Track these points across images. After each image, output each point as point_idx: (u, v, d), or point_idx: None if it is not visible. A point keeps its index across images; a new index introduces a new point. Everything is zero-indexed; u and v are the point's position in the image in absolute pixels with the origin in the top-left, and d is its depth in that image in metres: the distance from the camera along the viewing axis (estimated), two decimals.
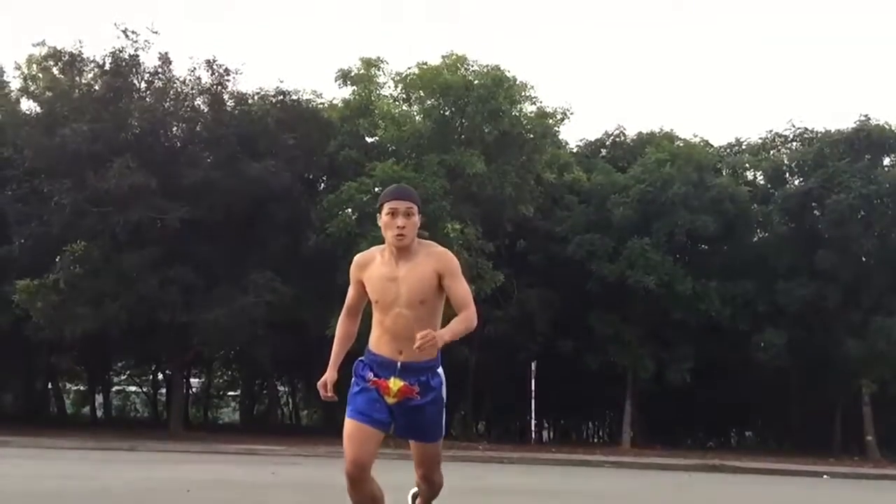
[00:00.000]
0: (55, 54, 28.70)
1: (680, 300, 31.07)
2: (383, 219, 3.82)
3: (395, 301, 3.77)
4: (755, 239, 35.28)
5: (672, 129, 37.24)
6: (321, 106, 31.60)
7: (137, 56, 28.76)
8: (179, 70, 29.40)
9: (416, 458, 4.12)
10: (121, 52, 28.54)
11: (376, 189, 26.14)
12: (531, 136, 30.32)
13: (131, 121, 28.49)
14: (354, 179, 27.66)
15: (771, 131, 36.43)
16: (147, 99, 28.94)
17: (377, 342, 3.87)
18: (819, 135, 33.76)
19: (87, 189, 26.46)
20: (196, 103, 29.82)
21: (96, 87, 28.82)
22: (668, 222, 31.34)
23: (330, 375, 4.01)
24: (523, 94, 29.69)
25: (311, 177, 32.33)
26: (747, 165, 36.33)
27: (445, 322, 3.84)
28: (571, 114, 31.47)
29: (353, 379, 3.94)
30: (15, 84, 30.97)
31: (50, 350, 32.78)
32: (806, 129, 34.79)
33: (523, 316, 31.92)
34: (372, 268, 3.90)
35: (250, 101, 29.93)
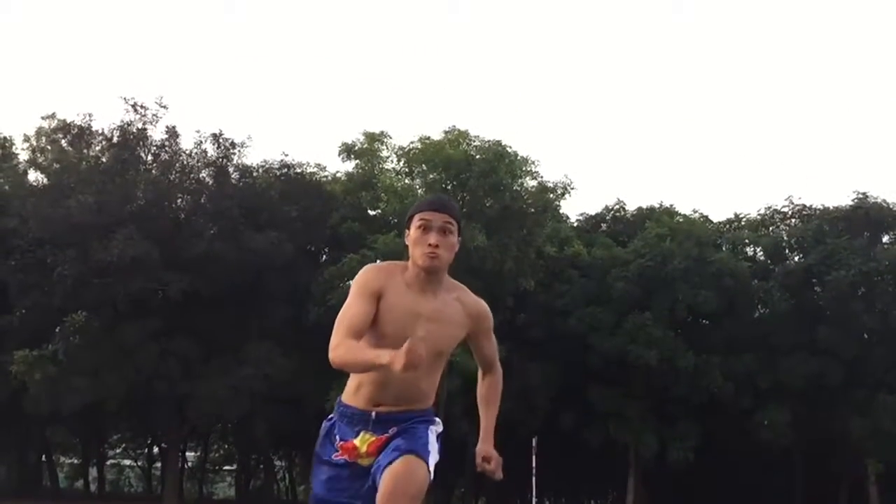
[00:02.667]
0: (64, 127, 29.23)
1: (681, 376, 30.84)
2: (412, 234, 3.03)
3: (405, 335, 2.79)
4: (756, 315, 35.18)
5: (672, 205, 37.56)
6: (324, 179, 31.98)
7: (145, 129, 29.32)
8: (186, 143, 29.94)
9: (384, 486, 2.84)
10: (129, 125, 29.08)
11: (377, 261, 26.25)
12: (532, 210, 30.60)
13: (137, 192, 28.82)
14: (356, 252, 27.80)
15: (770, 207, 36.75)
16: (153, 171, 29.33)
17: (354, 392, 3.07)
18: (818, 211, 34.04)
19: (90, 260, 26.58)
20: (201, 176, 30.20)
21: (103, 160, 29.26)
22: (669, 297, 31.34)
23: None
24: (524, 168, 30.09)
25: (313, 249, 32.50)
26: (747, 241, 36.50)
27: None
28: (572, 188, 31.79)
29: (315, 454, 3.19)
30: (23, 156, 31.49)
31: (45, 422, 32.40)
32: (804, 205, 35.11)
33: (524, 390, 31.62)
34: (393, 289, 3.02)
35: (255, 174, 30.32)
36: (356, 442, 3.03)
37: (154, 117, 29.43)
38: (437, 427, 3.12)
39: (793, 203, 35.50)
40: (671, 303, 31.40)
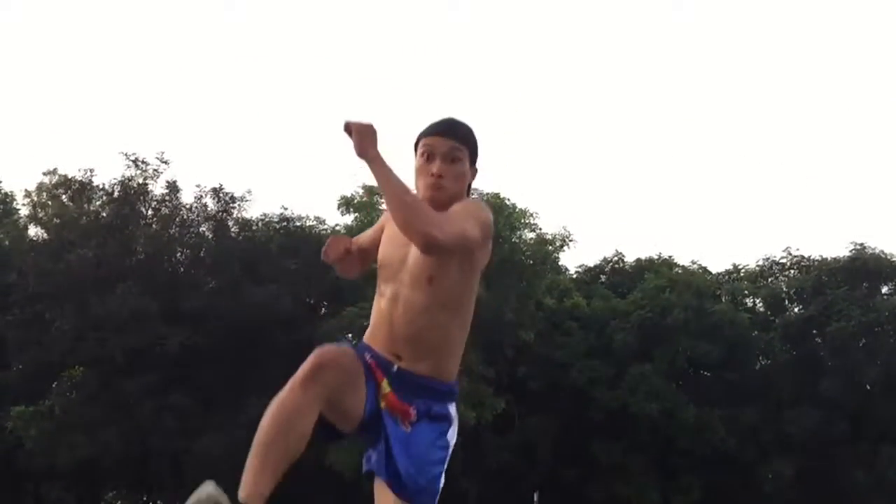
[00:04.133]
0: (65, 182, 29.43)
1: (684, 428, 30.58)
2: (416, 162, 2.74)
3: (397, 272, 2.65)
4: (758, 366, 35.05)
5: (671, 256, 37.67)
6: (324, 232, 32.10)
7: (146, 184, 29.52)
8: (186, 197, 30.14)
9: None
10: (129, 180, 29.29)
11: None
12: (531, 262, 30.68)
13: (136, 247, 28.93)
14: (355, 304, 27.78)
15: (768, 259, 36.86)
16: (153, 226, 29.47)
17: (371, 333, 2.75)
18: (816, 263, 34.18)
19: (89, 314, 26.55)
20: (201, 230, 30.34)
21: (104, 215, 29.41)
22: (670, 349, 31.26)
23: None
24: (523, 220, 30.26)
25: (312, 301, 32.47)
26: (746, 292, 36.54)
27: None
28: (571, 240, 31.92)
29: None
30: (24, 211, 31.62)
31: (40, 478, 31.99)
32: (802, 256, 35.24)
33: (525, 444, 31.31)
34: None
35: (254, 228, 30.48)
36: (382, 382, 2.65)
37: (155, 172, 29.70)
38: (453, 429, 2.72)
39: (791, 254, 35.68)
40: (672, 354, 31.29)
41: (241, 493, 2.43)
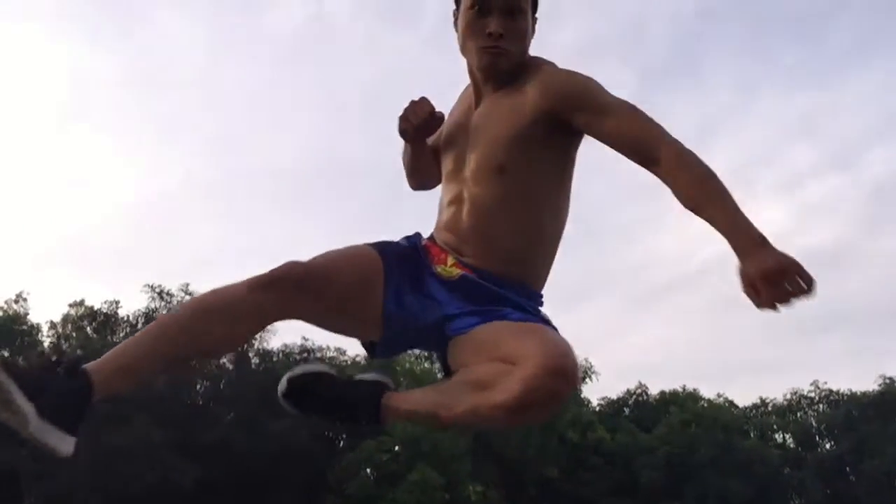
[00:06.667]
0: (91, 314, 29.81)
1: None
2: (462, 18, 2.06)
3: (460, 163, 2.07)
4: None
5: (695, 388, 37.08)
6: (345, 363, 31.99)
7: None
8: None
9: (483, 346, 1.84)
10: (153, 312, 29.63)
11: (396, 448, 25.74)
12: None
13: (156, 378, 28.92)
14: (374, 437, 27.33)
15: (796, 392, 36.27)
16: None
17: (436, 230, 2.13)
18: (845, 397, 33.64)
19: (104, 447, 26.25)
20: (222, 361, 30.37)
21: None
22: (698, 486, 30.25)
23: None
24: None
25: (330, 434, 32.00)
26: (775, 426, 35.74)
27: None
28: (594, 372, 31.58)
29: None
30: (46, 342, 31.85)
31: None
32: (831, 390, 34.72)
33: None
34: (456, 107, 2.21)
35: (275, 359, 30.46)
36: (447, 256, 2.03)
37: (179, 303, 30.02)
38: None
39: (819, 388, 35.14)
40: (701, 492, 30.25)
41: (91, 364, 1.80)
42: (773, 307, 1.59)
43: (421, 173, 2.27)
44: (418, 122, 2.12)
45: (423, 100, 2.13)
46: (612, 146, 1.87)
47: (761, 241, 1.63)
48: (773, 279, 1.57)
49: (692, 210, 1.76)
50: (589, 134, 1.93)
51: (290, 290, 1.83)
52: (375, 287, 1.95)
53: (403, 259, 2.01)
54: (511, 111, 1.96)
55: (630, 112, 1.86)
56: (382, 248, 2.01)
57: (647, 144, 1.82)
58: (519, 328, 1.79)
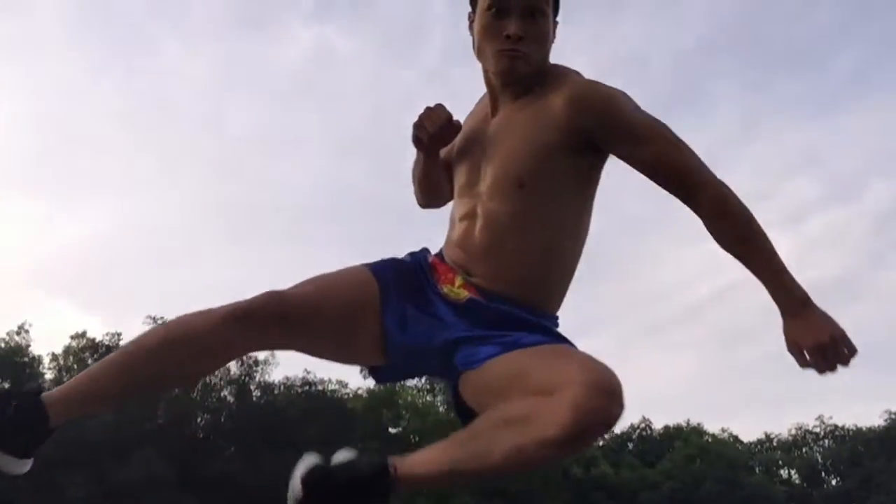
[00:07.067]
0: (92, 346, 29.77)
1: None
2: (478, 19, 1.91)
3: (474, 176, 1.93)
4: None
5: (699, 423, 36.85)
6: (346, 396, 31.88)
7: None
8: None
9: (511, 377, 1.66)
10: None
11: None
12: None
13: (157, 411, 28.78)
14: None
15: (801, 427, 36.04)
16: (175, 390, 29.43)
17: (446, 246, 1.98)
18: (850, 433, 33.42)
19: (105, 481, 26.07)
20: (223, 394, 30.27)
21: None
22: None
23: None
24: None
25: None
26: (780, 462, 35.45)
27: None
28: None
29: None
30: (49, 375, 31.75)
31: None
32: (836, 425, 34.52)
33: None
34: (471, 116, 2.06)
35: (276, 392, 30.34)
36: (455, 277, 1.87)
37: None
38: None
39: (824, 423, 34.94)
40: None
41: (53, 391, 1.80)
42: (817, 371, 1.65)
43: (432, 188, 2.12)
44: (434, 130, 1.97)
45: (440, 106, 1.98)
46: (646, 174, 1.77)
47: (806, 301, 1.66)
48: (823, 350, 1.64)
49: (733, 255, 1.75)
50: (621, 159, 1.80)
51: (267, 322, 1.72)
52: (369, 312, 1.82)
53: (405, 278, 1.87)
54: (532, 121, 1.82)
55: (671, 142, 1.75)
56: (379, 268, 1.89)
57: (689, 181, 1.73)
58: (544, 353, 1.64)
